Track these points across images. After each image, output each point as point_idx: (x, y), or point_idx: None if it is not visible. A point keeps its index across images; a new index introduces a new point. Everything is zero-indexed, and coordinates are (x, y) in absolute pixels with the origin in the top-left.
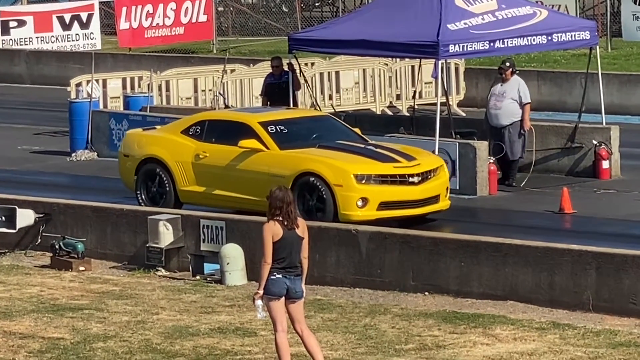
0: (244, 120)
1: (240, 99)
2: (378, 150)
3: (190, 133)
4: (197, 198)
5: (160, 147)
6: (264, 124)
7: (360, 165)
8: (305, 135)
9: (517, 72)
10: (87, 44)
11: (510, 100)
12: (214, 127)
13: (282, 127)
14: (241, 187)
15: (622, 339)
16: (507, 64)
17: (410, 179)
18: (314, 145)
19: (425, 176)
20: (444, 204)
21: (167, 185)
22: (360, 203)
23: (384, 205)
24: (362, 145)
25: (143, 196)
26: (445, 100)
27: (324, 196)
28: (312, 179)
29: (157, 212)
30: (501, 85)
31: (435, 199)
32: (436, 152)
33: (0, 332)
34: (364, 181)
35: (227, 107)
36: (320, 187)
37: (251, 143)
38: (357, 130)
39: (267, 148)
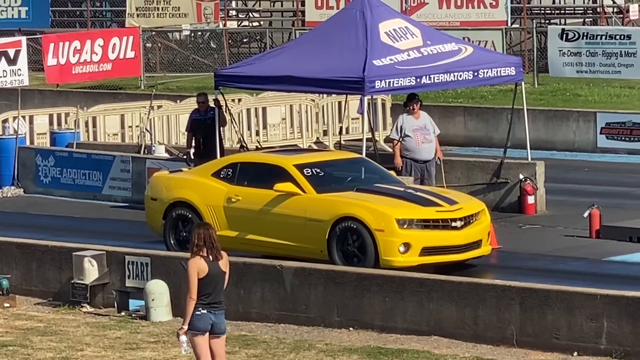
0: (279, 163)
1: (167, 135)
2: (418, 193)
3: (221, 176)
4: (229, 243)
5: (190, 190)
6: (300, 167)
7: (402, 209)
8: (341, 178)
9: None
10: (15, 80)
11: (433, 132)
12: (246, 169)
13: (318, 170)
14: (276, 232)
15: None
16: (417, 97)
17: (453, 224)
18: (351, 188)
19: (467, 220)
20: (485, 249)
21: None
22: (402, 249)
23: (427, 251)
24: (402, 189)
25: (172, 241)
26: (371, 136)
27: (365, 241)
28: (352, 223)
29: (82, 249)
30: (416, 119)
31: (477, 244)
32: None
33: None
34: (406, 226)
35: (151, 144)
36: (360, 232)
37: (287, 186)
38: (392, 172)
39: (304, 191)
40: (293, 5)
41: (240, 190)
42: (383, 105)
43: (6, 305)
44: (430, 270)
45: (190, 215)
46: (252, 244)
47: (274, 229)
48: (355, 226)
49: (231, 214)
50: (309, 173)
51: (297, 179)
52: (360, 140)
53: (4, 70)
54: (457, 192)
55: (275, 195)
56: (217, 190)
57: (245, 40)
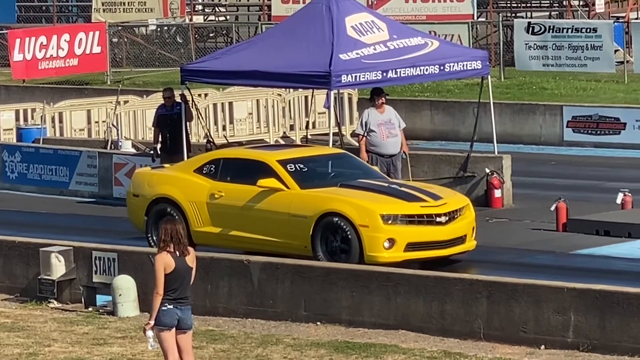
0: (262, 159)
1: (133, 130)
2: (403, 189)
3: (204, 172)
4: (212, 239)
5: (173, 186)
6: (283, 163)
7: (387, 205)
8: (324, 174)
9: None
10: None
11: (398, 127)
12: (229, 165)
13: (302, 166)
14: (260, 228)
15: None
16: (384, 92)
17: (438, 219)
18: (335, 184)
19: (452, 216)
20: (470, 244)
21: None
22: (387, 244)
23: (411, 247)
24: (386, 184)
25: (154, 237)
26: (338, 130)
27: (349, 237)
28: (336, 219)
29: (49, 244)
30: (381, 113)
31: (461, 240)
32: None
33: None
34: (390, 221)
35: (117, 139)
36: (345, 227)
37: (271, 182)
38: (375, 168)
39: (287, 187)
40: (259, 0)
41: (223, 186)
42: (349, 99)
43: None
44: (416, 266)
45: (173, 212)
46: (236, 240)
47: (257, 225)
48: (339, 222)
49: (214, 210)
50: (292, 169)
51: (281, 175)
52: (327, 134)
53: None
54: (441, 187)
55: (259, 191)
56: (199, 186)
57: (211, 34)
